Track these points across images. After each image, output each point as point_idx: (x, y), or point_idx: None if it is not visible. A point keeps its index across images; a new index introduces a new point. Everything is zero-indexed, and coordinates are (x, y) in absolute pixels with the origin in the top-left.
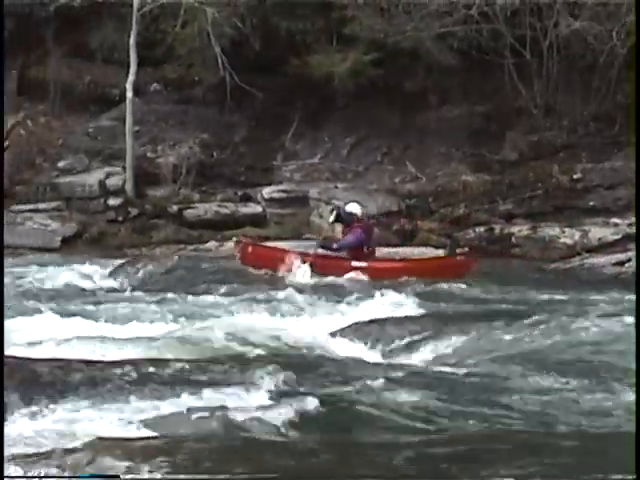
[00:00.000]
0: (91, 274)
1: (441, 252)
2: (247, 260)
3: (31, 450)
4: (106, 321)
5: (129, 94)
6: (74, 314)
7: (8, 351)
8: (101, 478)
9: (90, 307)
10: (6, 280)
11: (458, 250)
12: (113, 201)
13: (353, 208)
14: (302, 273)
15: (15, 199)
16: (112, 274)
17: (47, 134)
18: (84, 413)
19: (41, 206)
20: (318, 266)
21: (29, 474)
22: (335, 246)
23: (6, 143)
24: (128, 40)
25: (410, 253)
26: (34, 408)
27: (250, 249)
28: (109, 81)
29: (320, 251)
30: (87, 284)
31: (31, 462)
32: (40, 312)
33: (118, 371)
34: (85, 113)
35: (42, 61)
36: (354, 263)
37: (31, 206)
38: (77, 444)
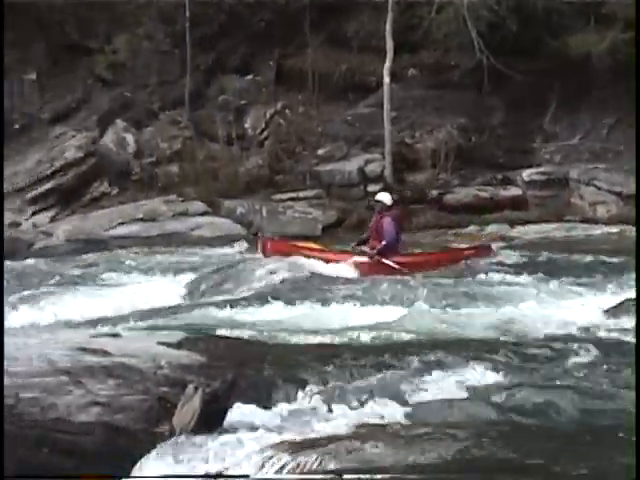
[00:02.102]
0: None
1: None
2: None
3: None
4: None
5: (386, 80)
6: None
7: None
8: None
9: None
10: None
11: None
12: (372, 187)
13: (382, 197)
14: None
15: (276, 188)
16: None
17: (306, 123)
18: None
19: (301, 194)
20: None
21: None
22: (384, 244)
23: (265, 133)
24: (384, 27)
25: None
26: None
27: (269, 245)
28: (366, 68)
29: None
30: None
31: None
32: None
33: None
34: (343, 101)
35: (299, 51)
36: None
37: (292, 194)
38: None
